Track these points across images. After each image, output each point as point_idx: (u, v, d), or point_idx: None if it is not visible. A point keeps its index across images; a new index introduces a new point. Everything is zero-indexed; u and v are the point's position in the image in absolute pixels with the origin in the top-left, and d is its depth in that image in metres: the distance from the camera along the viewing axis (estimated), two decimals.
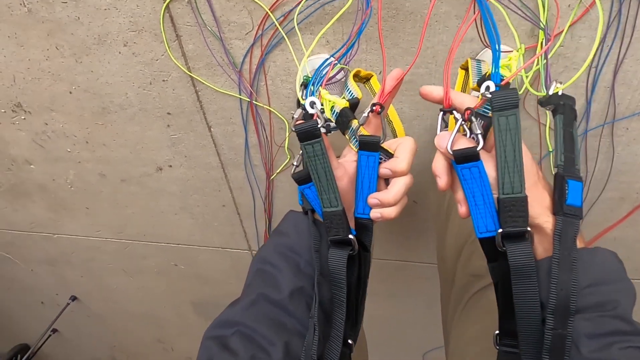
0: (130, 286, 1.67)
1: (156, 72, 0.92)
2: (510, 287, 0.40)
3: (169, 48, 0.86)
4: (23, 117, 1.09)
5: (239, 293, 0.48)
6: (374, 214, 0.45)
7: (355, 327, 0.49)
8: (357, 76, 0.53)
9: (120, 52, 0.89)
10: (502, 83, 0.43)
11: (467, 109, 0.42)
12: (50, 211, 1.38)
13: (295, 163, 0.51)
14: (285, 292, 0.44)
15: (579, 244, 0.40)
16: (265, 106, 0.92)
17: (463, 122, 0.43)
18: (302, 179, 0.46)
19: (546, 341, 0.38)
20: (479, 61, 0.71)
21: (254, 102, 0.92)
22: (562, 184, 0.40)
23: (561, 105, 0.43)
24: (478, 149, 0.41)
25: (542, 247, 0.41)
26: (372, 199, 0.45)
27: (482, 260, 0.45)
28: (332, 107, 0.49)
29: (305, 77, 0.56)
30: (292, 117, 0.49)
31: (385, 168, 0.45)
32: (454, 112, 0.44)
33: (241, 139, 1.01)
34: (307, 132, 0.43)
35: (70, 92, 1.00)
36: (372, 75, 0.53)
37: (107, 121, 1.05)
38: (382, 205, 0.45)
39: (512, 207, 0.39)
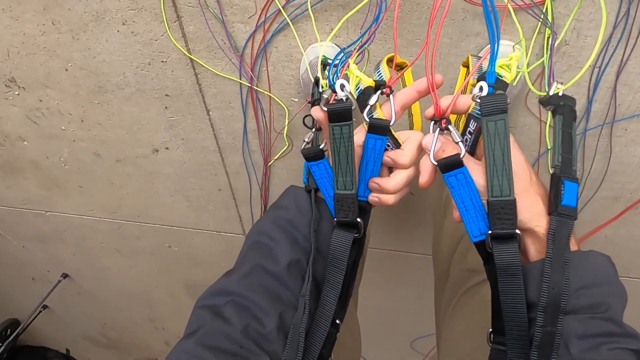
0: (123, 266, 1.67)
1: (155, 52, 0.90)
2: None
3: (169, 28, 0.85)
4: (17, 93, 1.06)
5: None
6: (373, 198, 0.46)
7: (344, 308, 0.50)
8: (390, 61, 0.52)
9: (118, 31, 0.87)
10: (499, 87, 0.43)
11: (443, 118, 0.43)
12: (43, 189, 1.37)
13: (306, 139, 0.51)
14: (282, 264, 0.45)
15: (573, 247, 0.41)
16: (265, 92, 0.91)
17: (440, 131, 0.44)
18: (312, 156, 0.46)
19: (535, 338, 0.38)
20: (478, 59, 0.70)
21: (254, 87, 0.91)
22: (559, 185, 0.41)
23: (561, 106, 0.44)
24: (461, 156, 0.41)
25: (534, 250, 0.42)
26: (373, 183, 0.45)
27: (478, 256, 0.45)
28: (358, 83, 0.48)
29: (324, 58, 0.56)
30: (317, 95, 0.49)
31: (388, 157, 0.45)
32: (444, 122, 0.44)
33: (240, 124, 1.00)
34: (340, 114, 0.43)
35: (66, 70, 0.98)
36: (406, 64, 0.52)
37: (103, 100, 1.03)
38: (381, 191, 0.45)
39: (501, 209, 0.39)
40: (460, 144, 0.42)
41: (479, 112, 0.41)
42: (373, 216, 0.51)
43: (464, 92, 0.51)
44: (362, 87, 0.48)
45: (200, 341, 0.40)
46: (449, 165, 0.41)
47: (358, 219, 0.45)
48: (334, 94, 0.47)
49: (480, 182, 0.41)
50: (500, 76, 0.60)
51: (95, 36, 0.89)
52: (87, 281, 1.86)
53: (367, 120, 0.45)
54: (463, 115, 0.47)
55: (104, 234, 1.52)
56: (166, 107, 1.01)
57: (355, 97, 0.48)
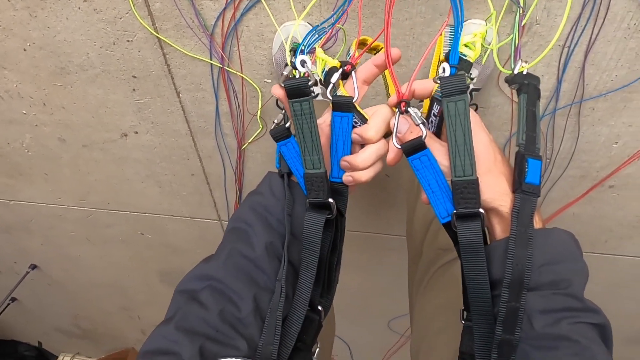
0: (94, 255, 1.63)
1: (120, 31, 0.86)
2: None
3: (133, 6, 0.81)
4: None
5: None
6: (346, 177, 0.46)
7: (328, 294, 0.50)
8: (363, 44, 0.51)
9: (79, 8, 0.83)
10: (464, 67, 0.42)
11: (401, 101, 0.43)
12: (6, 176, 1.31)
13: (275, 121, 0.50)
14: (259, 249, 0.44)
15: (537, 224, 0.42)
16: (237, 72, 0.89)
17: (400, 114, 0.44)
18: (279, 135, 0.46)
19: (500, 314, 0.39)
20: (453, 28, 0.70)
21: (225, 67, 0.88)
22: (522, 163, 0.41)
23: (525, 85, 0.44)
24: (423, 137, 0.42)
25: (500, 229, 0.42)
26: (343, 161, 0.45)
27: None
28: (324, 66, 0.48)
29: (294, 44, 0.55)
30: (282, 75, 0.48)
31: (355, 134, 0.45)
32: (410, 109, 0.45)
33: (211, 107, 0.97)
34: (297, 89, 0.42)
35: (24, 50, 0.92)
36: (381, 47, 0.52)
37: (66, 82, 0.98)
38: (352, 168, 0.45)
39: (464, 189, 0.40)
40: (422, 126, 0.42)
41: (440, 94, 0.41)
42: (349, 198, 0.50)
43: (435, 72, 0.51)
44: (326, 68, 0.48)
45: (177, 325, 0.39)
46: (412, 148, 0.42)
47: (330, 200, 0.45)
48: (294, 71, 0.46)
49: (444, 163, 0.42)
50: (464, 55, 0.59)
51: (54, 13, 0.85)
52: (56, 272, 1.80)
53: (331, 98, 0.45)
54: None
55: (73, 223, 1.47)
56: (134, 90, 0.97)
57: (323, 79, 0.48)
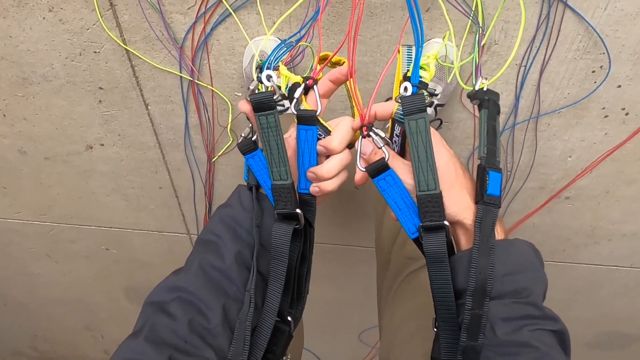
0: (56, 272, 1.56)
1: (86, 42, 0.85)
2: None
3: (101, 17, 0.80)
4: None
5: None
6: (313, 188, 0.47)
7: (298, 305, 0.50)
8: (324, 59, 0.53)
9: (44, 18, 0.81)
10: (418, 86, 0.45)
11: (363, 126, 0.45)
12: None
13: (243, 134, 0.51)
14: (228, 260, 0.45)
15: (499, 235, 0.44)
16: (207, 86, 0.89)
17: (362, 138, 0.46)
18: (246, 148, 0.47)
19: (465, 321, 0.40)
20: (409, 47, 0.72)
21: (195, 80, 0.88)
22: (484, 175, 0.43)
23: (486, 100, 0.46)
24: (385, 159, 0.44)
25: (465, 240, 0.44)
26: (309, 173, 0.46)
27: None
28: (287, 82, 0.50)
29: (260, 62, 0.57)
30: (248, 89, 0.50)
31: (320, 145, 0.47)
32: (372, 132, 0.46)
33: (181, 119, 0.97)
34: (263, 103, 0.44)
35: None
36: (344, 61, 0.53)
37: (28, 93, 0.95)
38: (318, 179, 0.46)
39: (429, 202, 0.42)
40: (384, 148, 0.44)
41: (401, 114, 0.44)
42: (317, 211, 0.51)
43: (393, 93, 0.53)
44: (289, 84, 0.50)
45: (145, 337, 0.39)
46: (376, 170, 0.44)
47: (297, 210, 0.46)
48: (260, 85, 0.48)
49: (408, 182, 0.44)
50: (420, 77, 0.62)
51: (17, 23, 0.83)
52: (14, 290, 1.71)
53: (295, 112, 0.47)
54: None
55: (33, 238, 1.41)
56: (100, 101, 0.95)
57: (287, 94, 0.49)
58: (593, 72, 0.80)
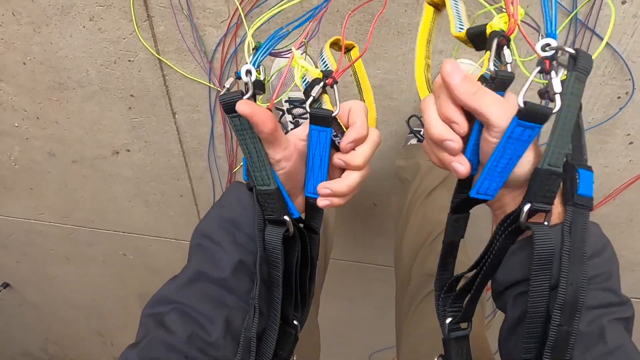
0: (72, 275, 1.58)
1: (122, 51, 0.88)
2: (491, 272, 0.40)
3: (137, 27, 0.84)
4: None
5: None
6: (323, 202, 0.42)
7: (303, 310, 0.48)
8: (336, 44, 0.47)
9: (84, 26, 0.85)
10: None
11: (546, 58, 0.36)
12: None
13: (227, 85, 0.44)
14: (227, 270, 0.41)
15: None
16: None
17: (541, 73, 0.36)
18: (230, 106, 0.40)
19: (550, 338, 0.36)
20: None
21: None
22: (573, 173, 0.37)
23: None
24: (554, 111, 0.35)
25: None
26: (324, 188, 0.41)
27: (437, 263, 0.46)
28: (304, 75, 0.44)
29: (257, 42, 0.48)
30: (223, 87, 0.43)
31: (339, 159, 0.42)
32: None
33: (206, 128, 0.99)
34: (231, 104, 0.38)
35: (24, 63, 0.94)
36: (354, 46, 0.48)
37: (62, 98, 0.99)
38: (334, 195, 0.42)
39: (551, 180, 0.35)
40: (558, 97, 0.35)
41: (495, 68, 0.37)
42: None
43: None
44: (308, 78, 0.44)
45: (142, 353, 0.37)
46: (535, 116, 0.34)
47: (285, 217, 0.41)
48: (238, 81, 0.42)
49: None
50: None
51: (59, 30, 0.87)
52: (30, 291, 1.74)
53: (309, 111, 0.41)
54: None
55: (54, 240, 1.44)
56: (130, 108, 0.99)
57: (302, 89, 0.44)
58: (618, 97, 0.79)
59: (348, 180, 0.41)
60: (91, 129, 1.04)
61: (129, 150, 1.08)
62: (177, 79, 0.91)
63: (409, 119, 0.86)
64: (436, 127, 0.37)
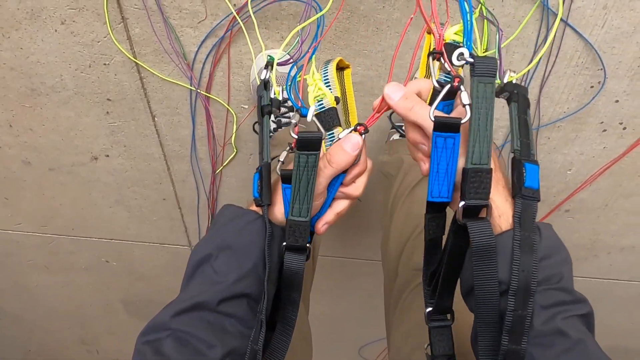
0: (53, 284, 1.55)
1: (97, 54, 0.86)
2: (459, 265, 0.42)
3: (112, 30, 0.82)
4: None
5: (176, 288, 0.46)
6: (323, 227, 0.48)
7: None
8: (340, 69, 0.51)
9: (56, 30, 0.83)
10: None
11: (457, 76, 0.40)
12: None
13: (281, 159, 0.49)
14: (227, 298, 0.43)
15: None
16: (216, 98, 0.90)
17: (449, 88, 0.41)
18: (289, 178, 0.44)
19: (507, 323, 0.38)
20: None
21: (203, 93, 0.89)
22: (520, 167, 0.40)
23: (515, 94, 0.44)
24: (463, 121, 0.39)
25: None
26: (323, 225, 0.47)
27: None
28: (318, 95, 0.47)
29: (270, 57, 0.51)
30: (261, 100, 0.49)
31: (341, 192, 0.46)
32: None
33: (187, 131, 0.98)
34: (310, 142, 0.42)
35: None
36: (349, 67, 0.52)
37: (36, 104, 0.96)
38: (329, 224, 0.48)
39: (478, 177, 0.39)
40: (468, 107, 0.39)
41: (446, 78, 0.41)
42: None
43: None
44: (325, 105, 0.47)
45: None
46: (446, 126, 0.39)
47: (308, 245, 0.44)
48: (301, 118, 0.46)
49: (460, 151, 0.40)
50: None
51: (29, 35, 0.84)
52: (10, 303, 1.69)
53: (325, 144, 0.46)
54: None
55: (32, 250, 1.40)
56: (107, 112, 0.96)
57: (316, 111, 0.47)
58: (591, 87, 0.82)
59: (336, 210, 0.47)
60: (68, 135, 1.02)
61: (108, 156, 1.06)
62: (156, 81, 0.90)
63: (391, 114, 0.87)
64: (411, 132, 0.44)
